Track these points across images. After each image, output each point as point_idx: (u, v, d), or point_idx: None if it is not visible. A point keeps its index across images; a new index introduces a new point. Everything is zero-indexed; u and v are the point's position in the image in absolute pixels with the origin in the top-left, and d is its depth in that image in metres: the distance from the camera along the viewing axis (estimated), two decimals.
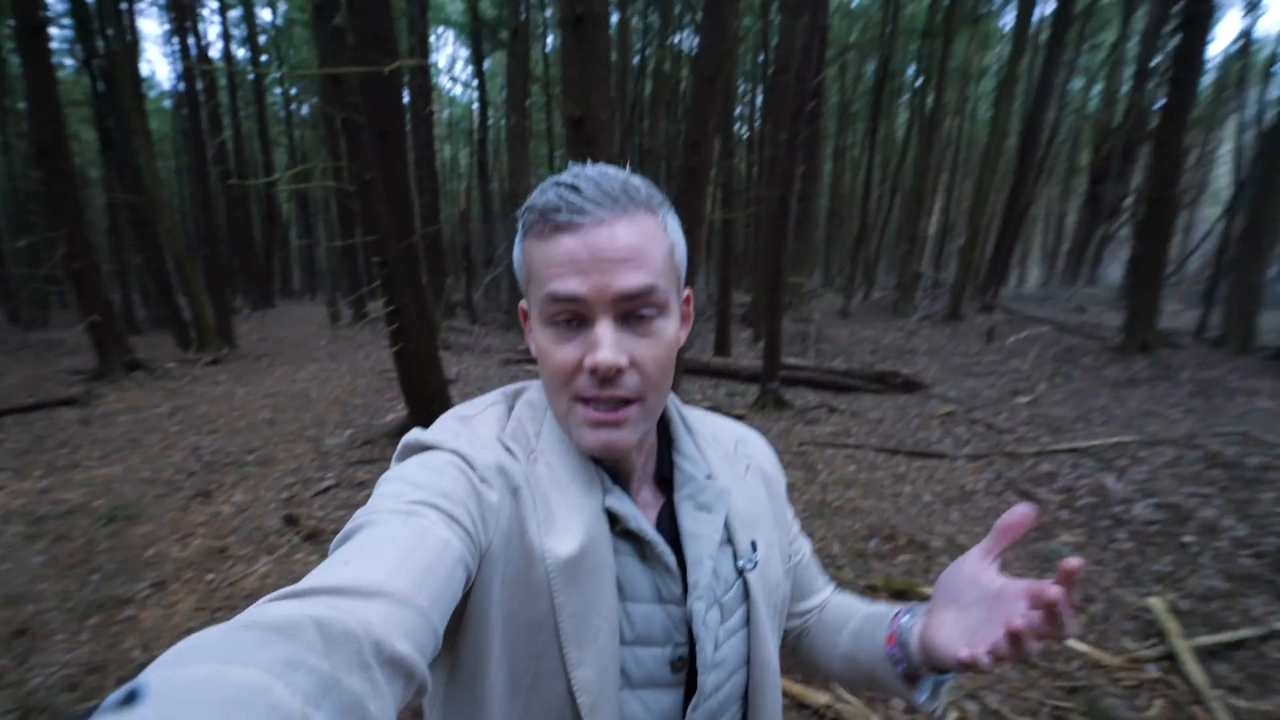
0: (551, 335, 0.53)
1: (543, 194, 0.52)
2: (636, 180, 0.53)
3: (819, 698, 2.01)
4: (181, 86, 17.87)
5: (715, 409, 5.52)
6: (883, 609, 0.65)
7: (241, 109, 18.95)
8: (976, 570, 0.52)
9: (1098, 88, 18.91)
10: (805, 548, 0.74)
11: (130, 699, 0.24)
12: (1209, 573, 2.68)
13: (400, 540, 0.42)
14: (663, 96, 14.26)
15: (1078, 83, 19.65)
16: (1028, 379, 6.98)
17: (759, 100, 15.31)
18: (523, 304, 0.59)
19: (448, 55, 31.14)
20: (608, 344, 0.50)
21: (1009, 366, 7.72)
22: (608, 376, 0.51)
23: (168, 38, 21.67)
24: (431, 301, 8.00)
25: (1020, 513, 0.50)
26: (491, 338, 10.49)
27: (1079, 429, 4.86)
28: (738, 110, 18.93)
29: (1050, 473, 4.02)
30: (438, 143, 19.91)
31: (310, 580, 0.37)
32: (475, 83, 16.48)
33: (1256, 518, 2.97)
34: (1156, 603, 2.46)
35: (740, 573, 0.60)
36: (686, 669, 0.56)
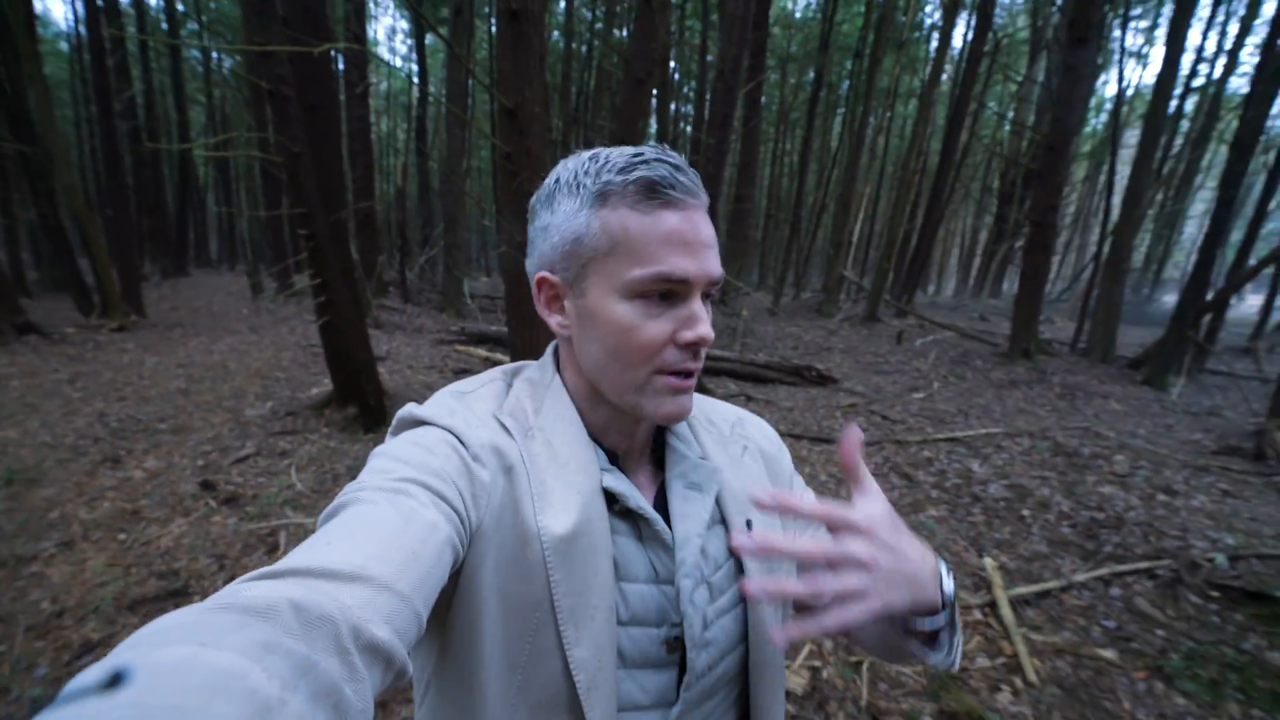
0: (640, 310, 0.52)
1: (643, 164, 0.51)
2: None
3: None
4: (84, 31, 16.38)
5: None
6: None
7: (153, 60, 17.54)
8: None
9: (1011, 114, 20.59)
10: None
11: (115, 681, 0.24)
12: (1036, 539, 3.20)
13: (386, 521, 0.41)
14: (607, 88, 14.40)
15: (991, 110, 21.32)
16: (925, 377, 7.68)
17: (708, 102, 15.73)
18: (545, 275, 0.57)
19: (387, 26, 29.85)
20: (707, 320, 0.53)
21: (911, 366, 8.44)
22: (698, 349, 0.53)
23: None
24: (363, 278, 7.86)
25: (849, 435, 0.49)
26: (424, 318, 10.35)
27: (959, 421, 5.48)
28: (684, 109, 19.28)
29: (929, 458, 4.56)
30: (374, 115, 19.18)
31: (290, 560, 0.37)
32: (415, 58, 16.01)
33: (1079, 496, 3.54)
34: (989, 563, 2.93)
35: (732, 552, 0.60)
36: (681, 649, 0.56)
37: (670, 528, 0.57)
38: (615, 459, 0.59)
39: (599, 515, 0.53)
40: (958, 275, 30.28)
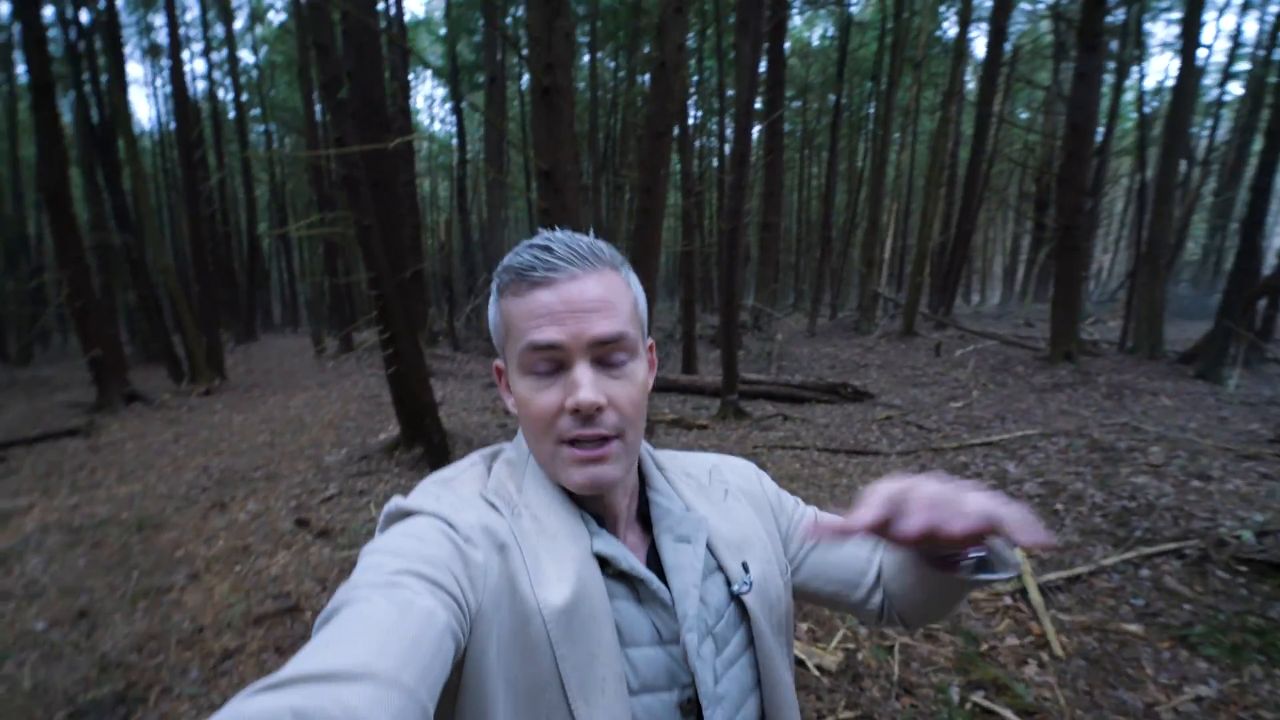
0: (531, 384, 0.55)
1: (517, 256, 0.55)
2: (601, 243, 0.58)
3: None
4: (168, 127, 18.28)
5: (680, 420, 6.12)
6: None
7: (224, 146, 19.45)
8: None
9: (1041, 121, 20.43)
10: (814, 512, 0.74)
11: None
12: (1069, 531, 3.30)
13: (383, 616, 0.41)
14: (633, 132, 15.16)
15: (1020, 119, 21.20)
16: (964, 387, 7.69)
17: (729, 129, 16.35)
18: (497, 363, 0.62)
19: (426, 94, 32.11)
20: (587, 384, 0.53)
21: (950, 377, 8.45)
22: (589, 415, 0.53)
23: (150, 79, 22.32)
24: (416, 329, 8.51)
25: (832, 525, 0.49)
26: (474, 364, 10.98)
27: (995, 426, 5.54)
28: (709, 143, 19.96)
29: (964, 463, 4.66)
30: (418, 179, 20.59)
31: (291, 668, 0.37)
32: (454, 119, 17.28)
33: (1112, 487, 3.62)
34: (1018, 552, 3.07)
35: (735, 598, 0.60)
36: (696, 711, 0.55)
37: (667, 583, 0.57)
38: (603, 523, 0.59)
39: (595, 581, 0.53)
40: (1002, 283, 29.54)
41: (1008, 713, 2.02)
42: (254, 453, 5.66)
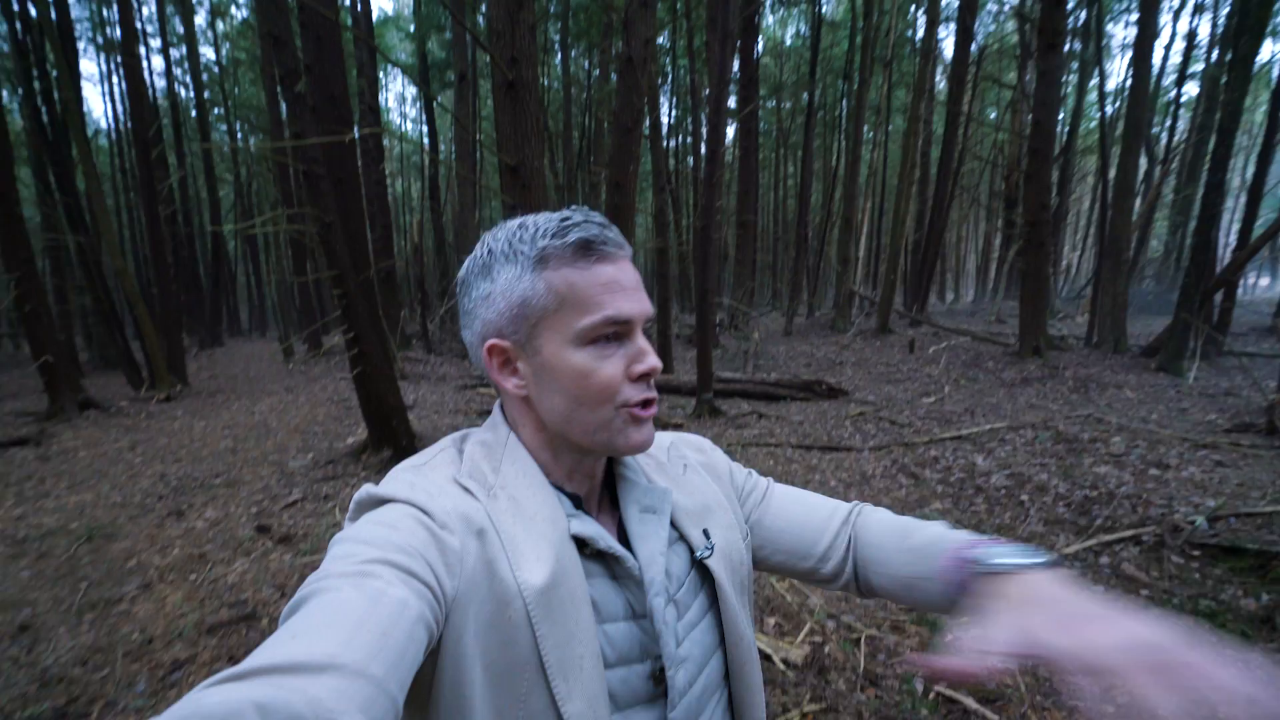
0: (594, 353, 0.56)
1: (575, 228, 0.55)
2: None
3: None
4: (125, 124, 17.71)
5: (655, 419, 6.21)
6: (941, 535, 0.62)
7: (185, 147, 18.90)
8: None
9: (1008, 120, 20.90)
10: (766, 484, 0.76)
11: None
12: (1033, 521, 3.36)
13: (352, 606, 0.40)
14: (610, 130, 15.11)
15: (989, 118, 21.65)
16: (936, 382, 7.81)
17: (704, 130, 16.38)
18: (494, 342, 0.59)
19: (397, 92, 31.66)
20: (653, 351, 0.58)
21: (923, 373, 8.57)
22: (655, 377, 0.58)
23: (104, 78, 21.57)
24: (387, 332, 8.36)
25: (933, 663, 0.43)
26: (447, 366, 10.82)
27: (966, 420, 5.62)
28: (686, 141, 19.96)
29: (935, 456, 4.71)
30: (389, 178, 20.26)
31: (254, 659, 0.36)
32: (425, 117, 17.04)
33: (1075, 477, 3.68)
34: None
35: (697, 564, 0.63)
36: (665, 680, 0.57)
37: (633, 553, 0.58)
38: (579, 504, 0.60)
39: (572, 562, 0.54)
40: (975, 280, 30.15)
41: (970, 701, 2.03)
42: (215, 459, 5.49)
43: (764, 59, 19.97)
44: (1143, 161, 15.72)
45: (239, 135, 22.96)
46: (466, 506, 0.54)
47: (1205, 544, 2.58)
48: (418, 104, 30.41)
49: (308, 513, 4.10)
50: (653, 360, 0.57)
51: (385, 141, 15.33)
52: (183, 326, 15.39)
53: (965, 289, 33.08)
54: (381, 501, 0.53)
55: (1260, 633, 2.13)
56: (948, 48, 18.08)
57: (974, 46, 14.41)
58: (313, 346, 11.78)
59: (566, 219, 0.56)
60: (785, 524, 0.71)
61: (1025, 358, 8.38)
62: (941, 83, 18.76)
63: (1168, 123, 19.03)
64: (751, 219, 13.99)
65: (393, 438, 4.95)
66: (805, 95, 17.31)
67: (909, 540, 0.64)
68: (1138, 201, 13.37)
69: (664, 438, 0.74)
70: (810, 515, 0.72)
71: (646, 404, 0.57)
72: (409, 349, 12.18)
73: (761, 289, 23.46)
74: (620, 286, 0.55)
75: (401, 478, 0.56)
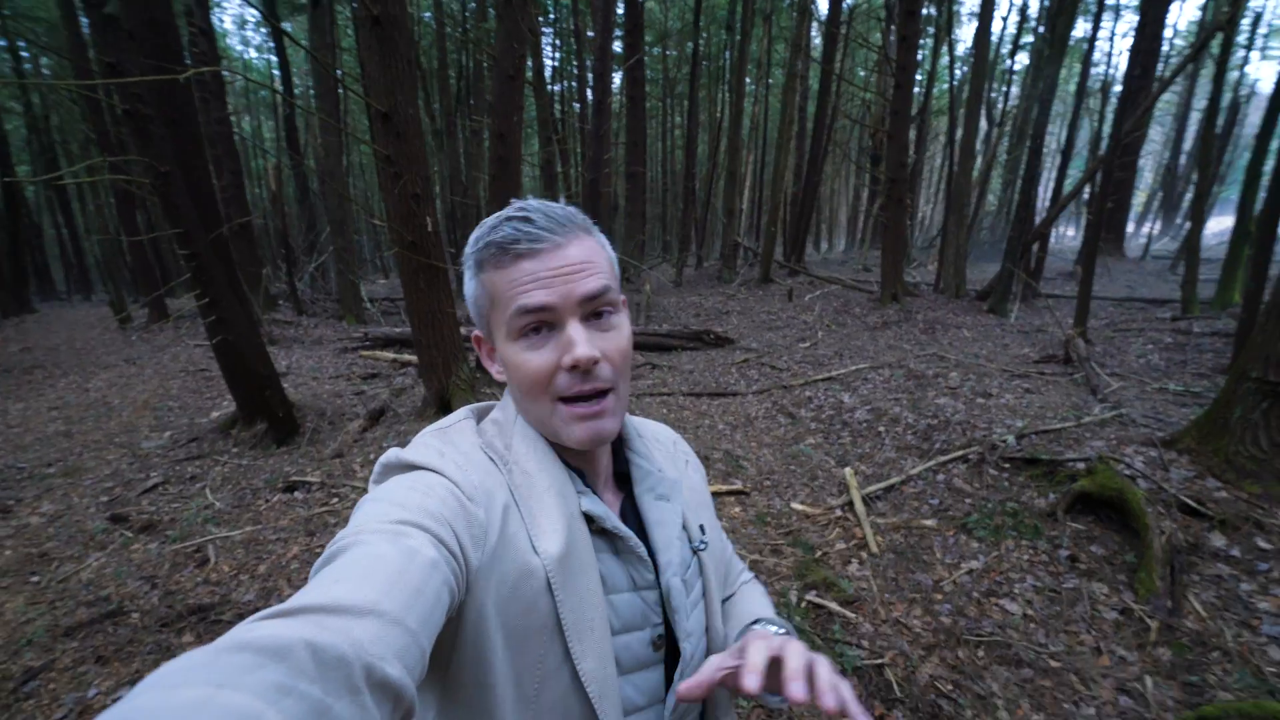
0: (523, 346, 0.57)
1: (496, 230, 0.57)
2: (573, 209, 0.60)
3: None
4: None
5: None
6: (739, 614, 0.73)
7: None
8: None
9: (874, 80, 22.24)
10: (727, 544, 0.81)
11: None
12: (888, 449, 3.86)
13: (390, 560, 0.42)
14: (487, 71, 14.18)
15: (859, 77, 22.90)
16: (811, 329, 8.48)
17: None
18: (476, 333, 0.65)
19: (234, 12, 27.28)
20: (582, 340, 0.55)
21: (800, 320, 9.25)
22: (587, 369, 0.56)
23: None
24: (249, 293, 7.55)
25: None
26: (323, 328, 10.01)
27: (835, 362, 6.22)
28: (571, 85, 19.23)
29: (809, 397, 5.20)
30: (234, 115, 17.73)
31: (300, 598, 0.37)
32: (273, 47, 14.92)
33: (921, 409, 4.26)
34: (848, 471, 3.54)
35: (695, 552, 0.67)
36: (664, 647, 0.62)
37: (648, 535, 0.63)
38: (586, 480, 0.63)
39: (582, 535, 0.57)
40: (846, 232, 32.46)
41: (834, 605, 2.37)
42: (44, 445, 4.78)
43: (649, 2, 19.51)
44: (983, 125, 17.55)
45: (24, 56, 18.76)
46: (492, 481, 0.56)
47: (1013, 458, 3.14)
48: (263, 28, 26.58)
49: (171, 496, 3.76)
50: (580, 351, 0.55)
51: (225, 74, 13.29)
52: None
53: (838, 239, 35.61)
54: (411, 467, 0.55)
55: (1047, 524, 2.66)
56: (822, 4, 18.72)
57: (845, 4, 15.05)
58: (157, 312, 10.35)
59: (496, 223, 0.58)
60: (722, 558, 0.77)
61: (885, 304, 9.30)
62: (818, 39, 19.46)
63: (1003, 89, 21.27)
64: (641, 170, 13.96)
65: (266, 409, 4.58)
66: (690, 45, 17.25)
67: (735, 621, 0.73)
68: (979, 161, 14.99)
69: (668, 431, 0.79)
70: (728, 555, 0.81)
71: (582, 397, 0.57)
72: (275, 310, 11.07)
73: (651, 240, 23.71)
74: (534, 278, 0.55)
75: (430, 444, 0.58)
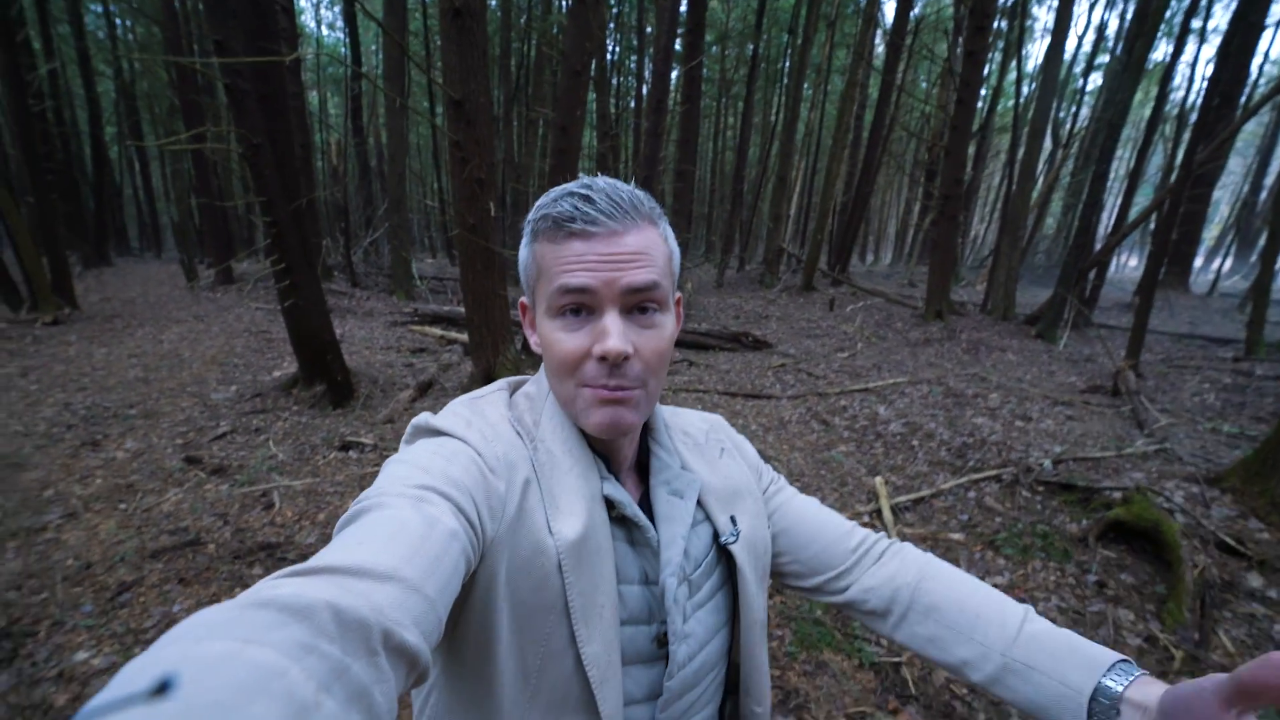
0: (559, 325, 0.56)
1: (556, 203, 0.55)
2: (641, 194, 0.58)
3: None
4: None
5: None
6: (1058, 642, 0.57)
7: (53, 29, 16.25)
8: (1207, 711, 0.43)
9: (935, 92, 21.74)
10: (791, 491, 0.76)
11: (162, 689, 0.24)
12: (920, 462, 3.90)
13: (412, 526, 0.42)
14: (548, 60, 14.44)
15: (921, 88, 22.41)
16: (851, 339, 8.46)
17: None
18: (523, 300, 0.64)
19: None
20: (616, 333, 0.54)
21: (840, 330, 9.22)
22: (616, 364, 0.54)
23: None
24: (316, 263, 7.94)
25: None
26: (374, 301, 10.43)
27: (873, 374, 6.22)
28: (628, 82, 19.38)
29: (844, 406, 5.24)
30: (304, 90, 18.48)
31: (322, 557, 0.38)
32: (345, 24, 15.49)
33: (957, 426, 4.27)
34: (878, 480, 3.59)
35: (721, 549, 0.65)
36: (667, 644, 0.60)
37: (656, 530, 0.61)
38: (609, 465, 0.62)
39: (601, 520, 0.56)
40: (894, 245, 31.83)
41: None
42: (125, 389, 5.18)
43: (712, 1, 19.48)
44: (1047, 144, 16.97)
45: (118, 22, 19.92)
46: (516, 454, 0.56)
47: (1048, 481, 3.15)
48: (335, 7, 27.50)
49: (239, 445, 4.05)
50: (611, 343, 0.53)
51: (300, 51, 13.89)
52: (64, 242, 13.77)
53: (885, 252, 34.96)
54: (438, 433, 0.56)
55: (1077, 549, 2.69)
56: (889, 13, 18.39)
57: (912, 15, 14.79)
58: (223, 276, 10.95)
59: (558, 196, 0.56)
60: (805, 536, 0.72)
61: (929, 321, 9.19)
62: (880, 47, 19.14)
63: (1073, 109, 20.52)
64: (691, 169, 14.03)
65: (326, 372, 4.87)
66: (750, 46, 17.18)
67: (979, 632, 0.60)
68: (1039, 183, 14.55)
69: (706, 419, 0.76)
70: (824, 530, 0.72)
71: (607, 390, 0.56)
72: (330, 281, 11.58)
73: (695, 241, 23.74)
74: (581, 260, 0.54)
75: (460, 413, 0.59)
